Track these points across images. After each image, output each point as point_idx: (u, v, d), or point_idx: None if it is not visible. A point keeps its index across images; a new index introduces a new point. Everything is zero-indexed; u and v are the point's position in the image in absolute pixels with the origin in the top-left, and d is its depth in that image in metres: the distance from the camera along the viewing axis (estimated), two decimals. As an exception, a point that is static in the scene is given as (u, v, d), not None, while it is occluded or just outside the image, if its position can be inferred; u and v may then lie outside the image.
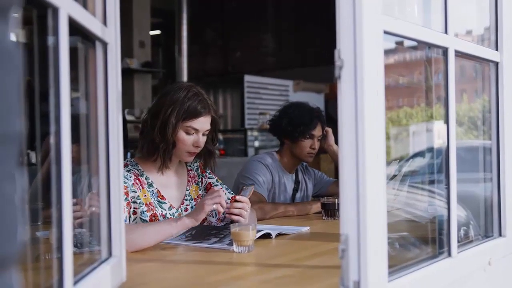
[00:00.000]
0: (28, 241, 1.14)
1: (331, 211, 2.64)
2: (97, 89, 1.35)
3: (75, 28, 1.12)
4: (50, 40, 1.02)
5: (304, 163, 3.20)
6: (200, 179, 2.40)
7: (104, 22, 1.35)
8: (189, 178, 2.36)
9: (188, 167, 2.39)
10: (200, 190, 2.38)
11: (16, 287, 0.60)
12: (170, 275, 1.65)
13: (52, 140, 1.02)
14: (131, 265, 1.53)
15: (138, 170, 2.21)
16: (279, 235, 2.17)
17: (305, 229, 2.35)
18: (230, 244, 1.90)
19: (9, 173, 0.57)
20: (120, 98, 1.40)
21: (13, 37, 0.59)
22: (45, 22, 1.02)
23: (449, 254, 1.52)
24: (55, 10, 1.00)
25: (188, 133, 2.18)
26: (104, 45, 1.35)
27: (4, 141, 0.56)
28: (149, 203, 2.16)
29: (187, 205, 2.30)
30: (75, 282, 1.09)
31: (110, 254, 1.37)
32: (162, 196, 2.22)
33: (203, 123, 2.20)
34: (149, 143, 2.19)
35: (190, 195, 2.33)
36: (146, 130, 2.20)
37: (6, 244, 0.57)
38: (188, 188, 2.34)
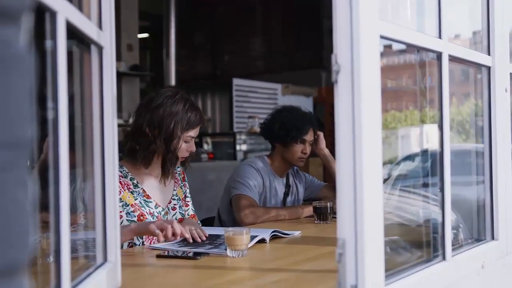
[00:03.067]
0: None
1: (323, 215, 2.64)
2: (92, 93, 1.34)
3: (71, 32, 1.12)
4: (48, 43, 1.02)
5: (295, 167, 3.20)
6: (183, 184, 2.50)
7: (100, 26, 1.34)
8: (176, 180, 2.45)
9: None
10: (183, 193, 2.48)
11: None
12: (165, 280, 1.64)
13: (49, 144, 1.01)
14: (126, 270, 1.52)
15: (122, 172, 2.25)
16: (274, 237, 2.18)
17: (297, 233, 2.35)
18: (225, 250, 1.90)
19: (21, 179, 0.57)
20: (115, 102, 1.39)
21: (24, 42, 0.59)
22: (42, 26, 1.02)
23: (444, 258, 1.52)
24: (53, 14, 1.00)
25: (186, 141, 2.29)
26: (100, 49, 1.34)
27: (16, 146, 0.56)
28: (134, 203, 2.22)
29: (174, 204, 2.39)
30: (72, 288, 1.08)
31: (105, 259, 1.36)
32: (148, 195, 2.29)
33: (198, 130, 2.33)
34: (151, 154, 2.25)
35: (177, 195, 2.42)
36: (146, 141, 2.22)
37: (18, 250, 0.57)
38: (175, 188, 2.42)
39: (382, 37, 1.25)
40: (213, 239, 2.13)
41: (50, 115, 1.00)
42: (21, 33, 0.58)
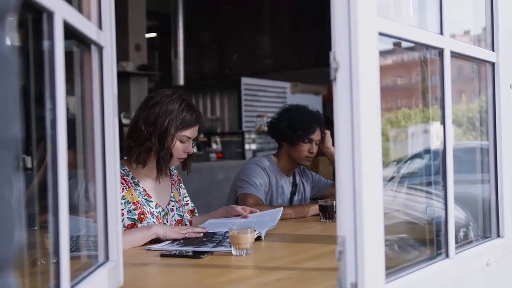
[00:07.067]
0: (25, 245, 1.13)
1: (329, 213, 2.63)
2: (92, 93, 1.35)
3: (70, 32, 1.12)
4: (45, 44, 1.02)
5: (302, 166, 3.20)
6: (179, 186, 2.53)
7: (100, 26, 1.35)
8: (173, 182, 2.48)
9: (171, 172, 2.50)
10: (180, 196, 2.50)
11: None
12: (168, 279, 1.64)
13: (48, 144, 1.02)
14: (128, 269, 1.53)
15: (124, 171, 2.29)
16: (268, 234, 2.22)
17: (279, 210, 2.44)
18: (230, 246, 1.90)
19: (7, 177, 0.58)
20: (116, 102, 1.40)
21: (9, 42, 0.59)
22: (40, 26, 1.02)
23: (447, 255, 1.51)
24: (50, 15, 1.00)
25: (181, 141, 2.31)
26: (100, 49, 1.35)
27: (2, 145, 0.57)
28: (137, 201, 2.26)
29: (172, 206, 2.42)
30: (72, 286, 1.09)
31: (107, 258, 1.36)
32: (149, 195, 2.32)
33: (195, 131, 2.34)
34: (146, 151, 2.27)
35: (174, 197, 2.44)
36: (141, 138, 2.25)
37: (4, 247, 0.58)
38: (172, 190, 2.45)
39: (381, 34, 1.25)
40: (211, 236, 2.14)
41: (48, 116, 1.00)
42: (6, 33, 0.59)
